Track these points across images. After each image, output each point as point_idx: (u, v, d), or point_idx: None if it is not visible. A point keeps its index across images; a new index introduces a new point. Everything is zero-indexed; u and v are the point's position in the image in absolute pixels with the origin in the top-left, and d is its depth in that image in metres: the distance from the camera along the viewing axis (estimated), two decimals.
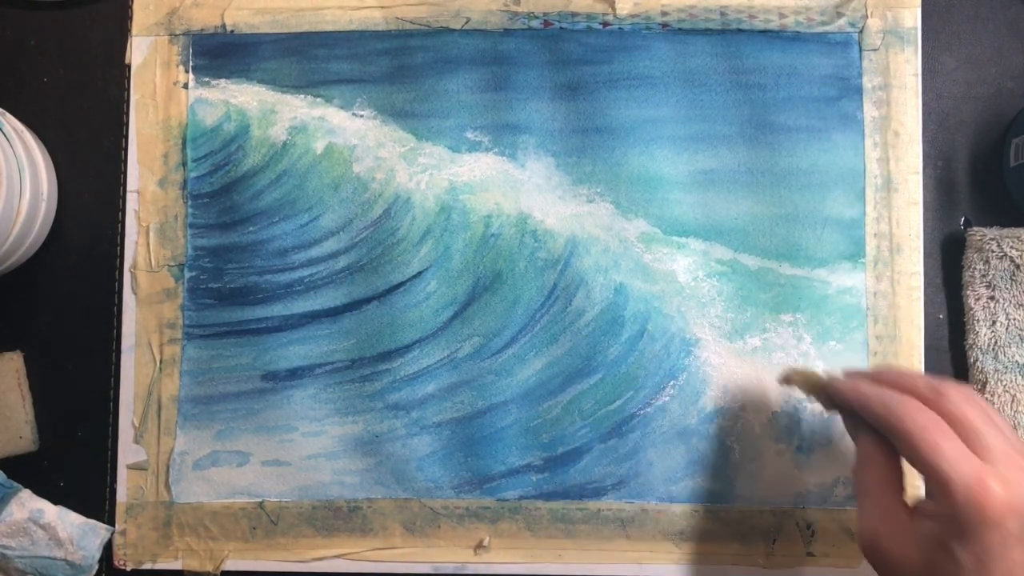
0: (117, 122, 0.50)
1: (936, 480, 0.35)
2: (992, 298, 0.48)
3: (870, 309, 0.49)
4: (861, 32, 0.49)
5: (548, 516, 0.49)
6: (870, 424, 0.39)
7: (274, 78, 0.50)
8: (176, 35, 0.50)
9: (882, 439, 0.39)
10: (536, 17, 0.50)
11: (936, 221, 0.50)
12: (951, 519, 0.35)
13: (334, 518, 0.49)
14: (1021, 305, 0.48)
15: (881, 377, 0.40)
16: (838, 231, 0.49)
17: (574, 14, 0.50)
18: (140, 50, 0.50)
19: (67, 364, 0.50)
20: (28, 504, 0.48)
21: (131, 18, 0.50)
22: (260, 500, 0.49)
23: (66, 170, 0.51)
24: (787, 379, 0.44)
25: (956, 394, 0.37)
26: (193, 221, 0.50)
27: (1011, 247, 0.47)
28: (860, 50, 0.49)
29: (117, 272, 0.50)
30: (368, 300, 0.49)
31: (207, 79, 0.50)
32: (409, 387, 0.49)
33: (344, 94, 0.50)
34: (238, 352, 0.49)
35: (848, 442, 0.48)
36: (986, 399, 0.48)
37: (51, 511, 0.48)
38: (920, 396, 0.37)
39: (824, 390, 0.42)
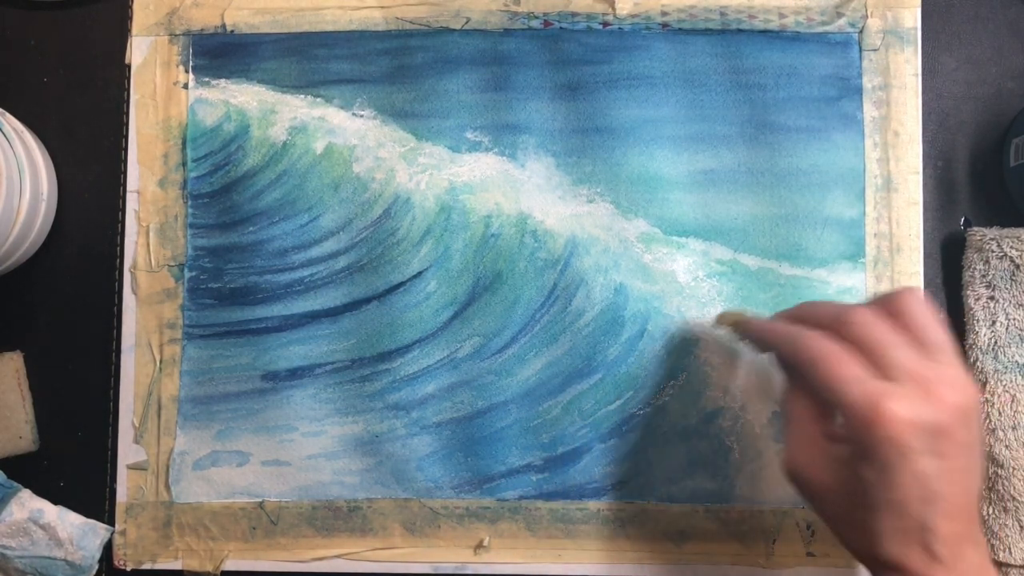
0: (117, 122, 0.50)
1: (836, 405, 0.36)
2: (992, 298, 0.48)
3: None
4: (861, 32, 0.49)
5: (548, 516, 0.49)
6: (782, 360, 0.41)
7: (274, 78, 0.50)
8: (176, 35, 0.50)
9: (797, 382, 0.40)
10: (536, 17, 0.50)
11: (936, 221, 0.50)
12: (854, 440, 0.36)
13: (334, 518, 0.49)
14: (1021, 305, 0.48)
15: (796, 313, 0.41)
16: (838, 231, 0.49)
17: (574, 14, 0.50)
18: (140, 50, 0.50)
19: (67, 364, 0.50)
20: (28, 504, 0.48)
21: (131, 18, 0.50)
22: (260, 500, 0.49)
23: (66, 170, 0.51)
24: (718, 321, 0.47)
25: (860, 317, 0.37)
26: (193, 221, 0.50)
27: (1011, 247, 0.47)
28: (860, 50, 0.49)
29: (117, 272, 0.50)
30: (368, 300, 0.49)
31: (207, 79, 0.50)
32: (409, 387, 0.49)
33: (344, 94, 0.50)
34: (238, 352, 0.49)
35: None
36: (986, 399, 0.48)
37: (51, 511, 0.48)
38: (825, 326, 0.38)
39: (744, 328, 0.44)
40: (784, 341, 0.39)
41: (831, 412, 0.39)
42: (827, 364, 0.36)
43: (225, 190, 0.50)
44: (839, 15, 0.49)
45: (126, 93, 0.50)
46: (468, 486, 0.49)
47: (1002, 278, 0.48)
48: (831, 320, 0.38)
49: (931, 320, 0.37)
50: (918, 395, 0.35)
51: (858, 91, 0.49)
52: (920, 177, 0.49)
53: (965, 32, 0.50)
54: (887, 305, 0.38)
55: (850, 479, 0.36)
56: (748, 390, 0.48)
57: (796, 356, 0.38)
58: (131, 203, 0.50)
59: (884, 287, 0.49)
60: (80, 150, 0.51)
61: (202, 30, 0.50)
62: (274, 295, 0.50)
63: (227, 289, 0.50)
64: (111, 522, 0.49)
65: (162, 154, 0.50)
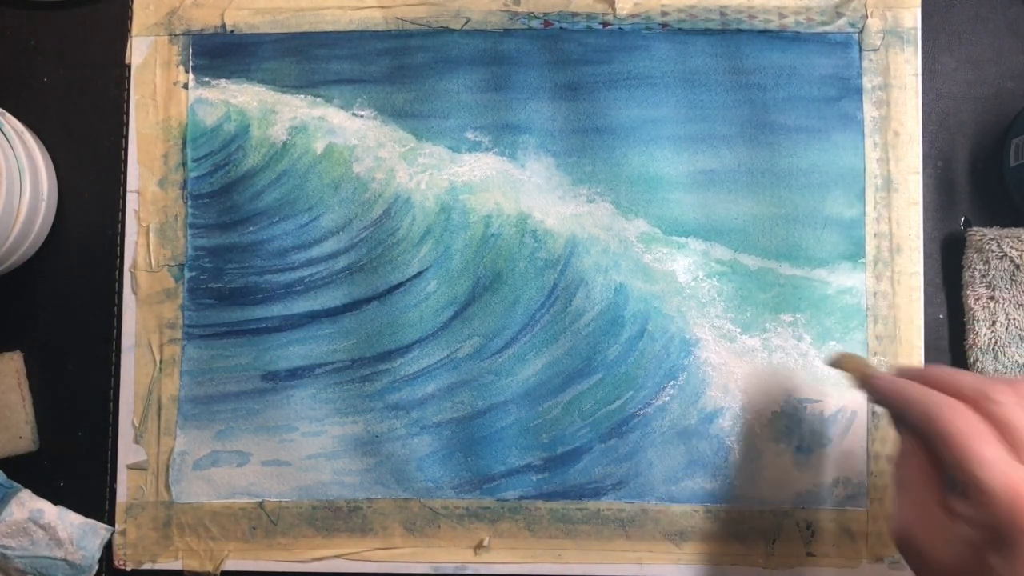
0: (117, 122, 0.50)
1: (974, 486, 0.34)
2: (992, 298, 0.48)
3: (870, 309, 0.49)
4: (861, 32, 0.49)
5: (548, 516, 0.49)
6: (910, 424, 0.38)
7: (274, 78, 0.50)
8: (176, 35, 0.50)
9: (919, 441, 0.38)
10: (536, 17, 0.50)
11: (936, 221, 0.50)
12: (988, 525, 0.34)
13: (334, 518, 0.49)
14: (1021, 305, 0.48)
15: (928, 376, 0.38)
16: (838, 231, 0.49)
17: (574, 14, 0.50)
18: (140, 50, 0.50)
19: (67, 364, 0.50)
20: (28, 504, 0.48)
21: (131, 18, 0.50)
22: (260, 500, 0.49)
23: (66, 170, 0.51)
24: (836, 363, 0.43)
25: (1006, 397, 0.35)
26: (193, 221, 0.50)
27: (1011, 247, 0.47)
28: (860, 50, 0.49)
29: (117, 272, 0.50)
30: (368, 300, 0.49)
31: (207, 79, 0.50)
32: (409, 387, 0.49)
33: (344, 94, 0.50)
34: (238, 352, 0.49)
35: (848, 443, 0.48)
36: None
37: (51, 511, 0.48)
38: (966, 399, 0.36)
39: (868, 383, 0.41)
40: (918, 405, 0.37)
41: (952, 486, 0.37)
42: (969, 441, 0.34)
43: (225, 190, 0.50)
44: (839, 15, 0.49)
45: (126, 93, 0.50)
46: (468, 486, 0.49)
47: (1002, 278, 0.48)
48: (973, 393, 0.36)
49: None
50: None
51: (858, 91, 0.49)
52: (920, 177, 0.49)
53: (965, 32, 0.50)
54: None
55: (973, 562, 0.34)
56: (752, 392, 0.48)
57: (931, 424, 0.36)
58: (131, 203, 0.50)
59: (884, 287, 0.49)
60: (80, 150, 0.51)
61: (202, 30, 0.50)
62: (274, 295, 0.50)
63: (227, 289, 0.50)
64: (111, 522, 0.49)
65: (162, 154, 0.50)
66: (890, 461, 0.39)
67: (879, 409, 0.48)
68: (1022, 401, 0.35)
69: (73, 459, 0.50)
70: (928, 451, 0.37)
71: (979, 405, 0.36)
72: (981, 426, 0.35)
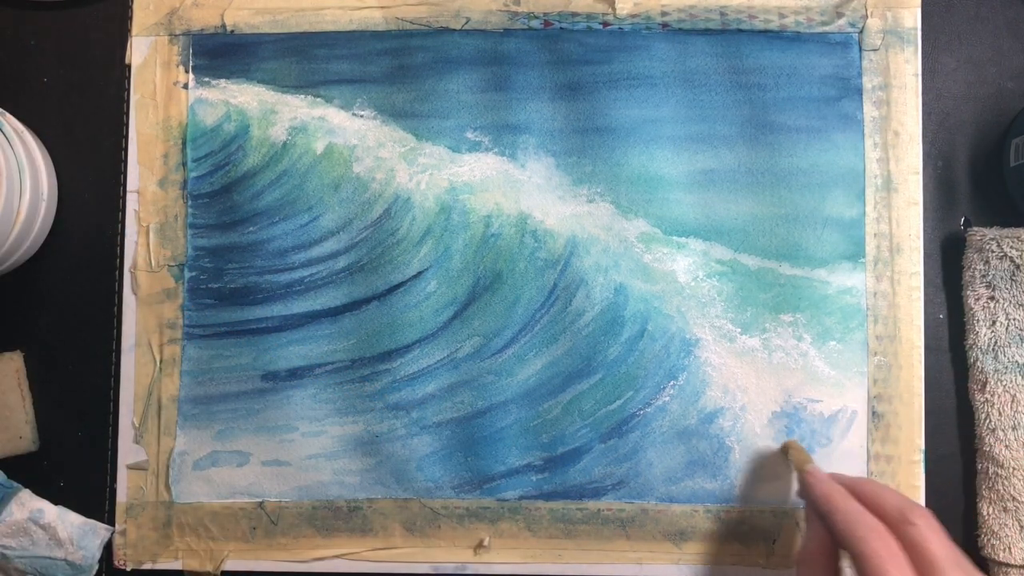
0: (117, 122, 0.50)
1: None
2: (992, 298, 0.48)
3: (870, 309, 0.49)
4: (861, 32, 0.49)
5: (548, 516, 0.49)
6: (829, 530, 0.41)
7: (274, 78, 0.50)
8: (176, 35, 0.50)
9: (828, 536, 0.41)
10: (536, 17, 0.50)
11: (936, 221, 0.50)
12: None
13: (334, 518, 0.49)
14: (1021, 305, 0.48)
15: (857, 487, 0.41)
16: (838, 231, 0.49)
17: (574, 14, 0.50)
18: (140, 50, 0.50)
19: (67, 364, 0.50)
20: (28, 504, 0.48)
21: (131, 18, 0.50)
22: (260, 500, 0.49)
23: (66, 170, 0.51)
24: (784, 449, 0.47)
25: (922, 520, 0.38)
26: (193, 221, 0.50)
27: (1011, 247, 0.47)
28: (860, 50, 0.49)
29: (117, 272, 0.50)
30: (368, 300, 0.49)
31: (207, 79, 0.50)
32: (409, 387, 0.49)
33: (344, 94, 0.50)
34: (238, 352, 0.49)
35: (847, 443, 0.48)
36: (986, 399, 0.48)
37: (51, 511, 0.48)
38: (887, 519, 0.39)
39: (802, 477, 0.43)
40: (842, 516, 0.39)
41: None
42: (883, 565, 0.36)
43: (225, 190, 0.50)
44: (839, 15, 0.49)
45: (126, 93, 0.50)
46: (468, 486, 0.49)
47: (1002, 278, 0.48)
48: (894, 513, 0.39)
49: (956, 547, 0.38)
50: None
51: (858, 91, 0.49)
52: (920, 177, 0.49)
53: (965, 32, 0.50)
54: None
55: None
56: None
57: (851, 542, 0.38)
58: (131, 203, 0.50)
59: (884, 287, 0.49)
60: (80, 150, 0.51)
61: (202, 30, 0.50)
62: (274, 295, 0.50)
63: (227, 289, 0.50)
64: (111, 522, 0.49)
65: (162, 154, 0.50)
66: (801, 534, 0.42)
67: (879, 409, 0.48)
68: (934, 526, 0.38)
69: (73, 459, 0.50)
70: (830, 555, 0.40)
71: (897, 526, 0.38)
72: (895, 550, 0.37)
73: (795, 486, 0.47)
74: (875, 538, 0.38)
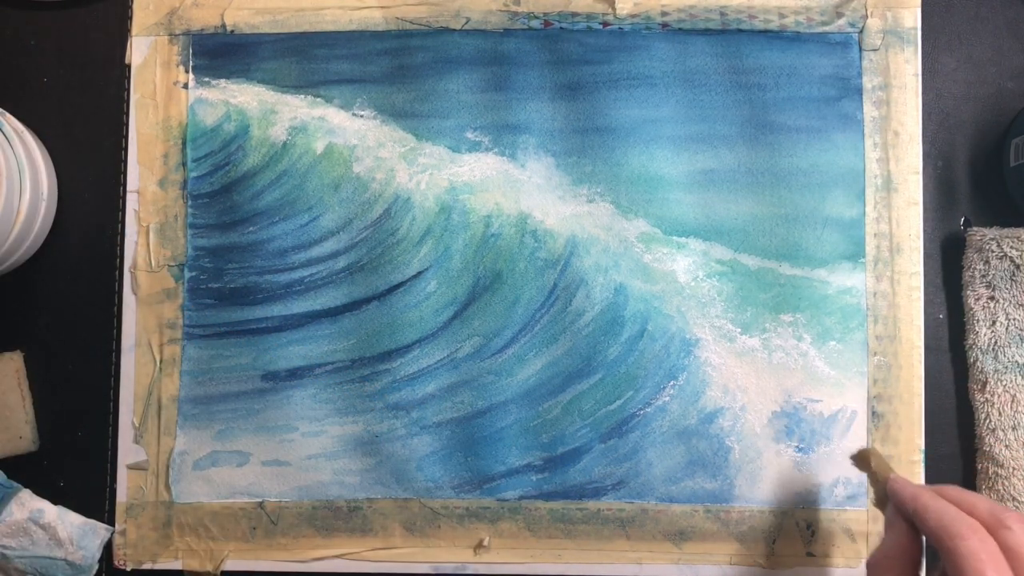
0: (117, 122, 0.50)
1: None
2: (992, 298, 0.48)
3: (870, 309, 0.49)
4: (861, 32, 0.49)
5: (548, 516, 0.49)
6: (920, 530, 0.39)
7: (274, 78, 0.50)
8: (176, 35, 0.50)
9: (911, 540, 0.40)
10: (536, 17, 0.50)
11: (936, 221, 0.50)
12: None
13: (334, 518, 0.49)
14: (1021, 305, 0.48)
15: (943, 492, 0.40)
16: (838, 231, 0.49)
17: (574, 14, 0.50)
18: (140, 50, 0.50)
19: (67, 364, 0.50)
20: (28, 504, 0.48)
21: (131, 18, 0.50)
22: (260, 500, 0.49)
23: (66, 170, 0.51)
24: (862, 456, 0.44)
25: (1019, 525, 0.37)
26: (193, 221, 0.50)
27: (1011, 247, 0.47)
28: (860, 50, 0.49)
29: (117, 272, 0.50)
30: (368, 300, 0.49)
31: (207, 79, 0.50)
32: (409, 387, 0.49)
33: (344, 94, 0.50)
34: (238, 352, 0.49)
35: (847, 443, 0.48)
36: (986, 399, 0.48)
37: (51, 511, 0.48)
38: (980, 519, 0.37)
39: (884, 482, 0.42)
40: (934, 517, 0.38)
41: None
42: (982, 565, 0.36)
43: (225, 190, 0.50)
44: (839, 15, 0.49)
45: (126, 93, 0.50)
46: (468, 486, 0.49)
47: (1002, 278, 0.48)
48: (988, 516, 0.38)
49: None
50: None
51: (858, 91, 0.49)
52: (920, 177, 0.49)
53: (965, 32, 0.50)
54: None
55: None
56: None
57: (944, 540, 0.37)
58: (131, 203, 0.50)
59: (884, 287, 0.49)
60: (80, 150, 0.51)
61: (202, 30, 0.50)
62: (274, 295, 0.50)
63: (227, 289, 0.50)
64: (111, 522, 0.49)
65: (162, 154, 0.50)
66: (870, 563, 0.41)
67: (879, 409, 0.48)
68: None
69: (73, 459, 0.50)
70: (912, 559, 0.39)
71: (992, 529, 0.37)
72: (994, 550, 0.36)
73: (871, 495, 0.46)
74: (974, 537, 0.36)
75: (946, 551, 0.37)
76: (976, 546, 0.36)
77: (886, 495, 0.42)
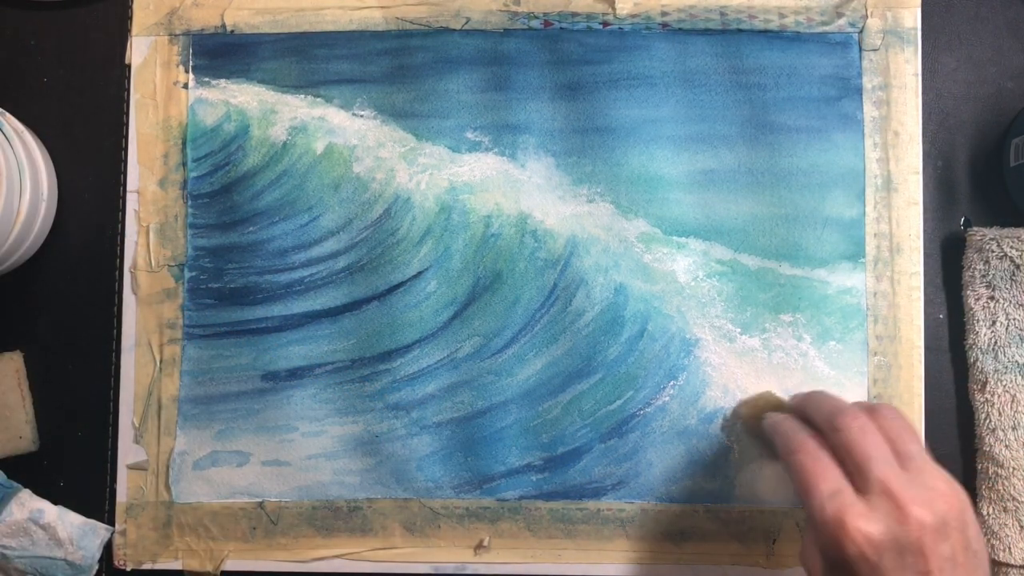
0: (117, 122, 0.50)
1: (810, 519, 0.37)
2: (992, 298, 0.48)
3: (870, 309, 0.49)
4: (861, 32, 0.49)
5: (548, 516, 0.49)
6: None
7: (274, 78, 0.50)
8: (176, 35, 0.50)
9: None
10: (536, 17, 0.50)
11: (936, 221, 0.50)
12: (824, 554, 0.36)
13: (334, 518, 0.49)
14: (1021, 305, 0.48)
15: (801, 402, 0.41)
16: (838, 231, 0.49)
17: (574, 14, 0.50)
18: (140, 50, 0.50)
19: (67, 364, 0.50)
20: (28, 504, 0.48)
21: (131, 18, 0.50)
22: (260, 500, 0.49)
23: (66, 170, 0.51)
24: (735, 415, 0.47)
25: (852, 425, 0.37)
26: (193, 221, 0.50)
27: (1011, 247, 0.47)
28: (860, 50, 0.49)
29: (117, 272, 0.50)
30: (368, 300, 0.49)
31: (207, 79, 0.50)
32: (409, 387, 0.49)
33: (344, 94, 0.50)
34: (238, 352, 0.49)
35: None
36: (986, 399, 0.48)
37: (51, 511, 0.48)
38: (817, 426, 0.39)
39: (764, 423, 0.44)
40: (781, 440, 0.40)
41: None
42: (810, 476, 0.37)
43: (225, 190, 0.50)
44: (839, 15, 0.49)
45: (126, 93, 0.50)
46: (468, 486, 0.49)
47: (1002, 278, 0.48)
48: (824, 422, 0.39)
49: (909, 432, 0.38)
50: (890, 512, 0.35)
51: (858, 91, 0.49)
52: (920, 177, 0.49)
53: (965, 32, 0.50)
54: (873, 414, 0.38)
55: None
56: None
57: (783, 455, 0.39)
58: (131, 203, 0.50)
59: (884, 287, 0.49)
60: (80, 150, 0.51)
61: (202, 30, 0.50)
62: (274, 295, 0.50)
63: (227, 289, 0.50)
64: (111, 522, 0.49)
65: (162, 154, 0.50)
66: None
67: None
68: (865, 428, 0.37)
69: (73, 459, 0.50)
70: None
71: (826, 435, 0.38)
72: (823, 458, 0.37)
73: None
74: (802, 446, 0.38)
75: (790, 472, 0.38)
76: (803, 458, 0.37)
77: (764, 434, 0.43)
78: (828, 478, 0.37)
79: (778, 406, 0.46)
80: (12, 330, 0.50)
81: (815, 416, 0.40)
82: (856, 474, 0.36)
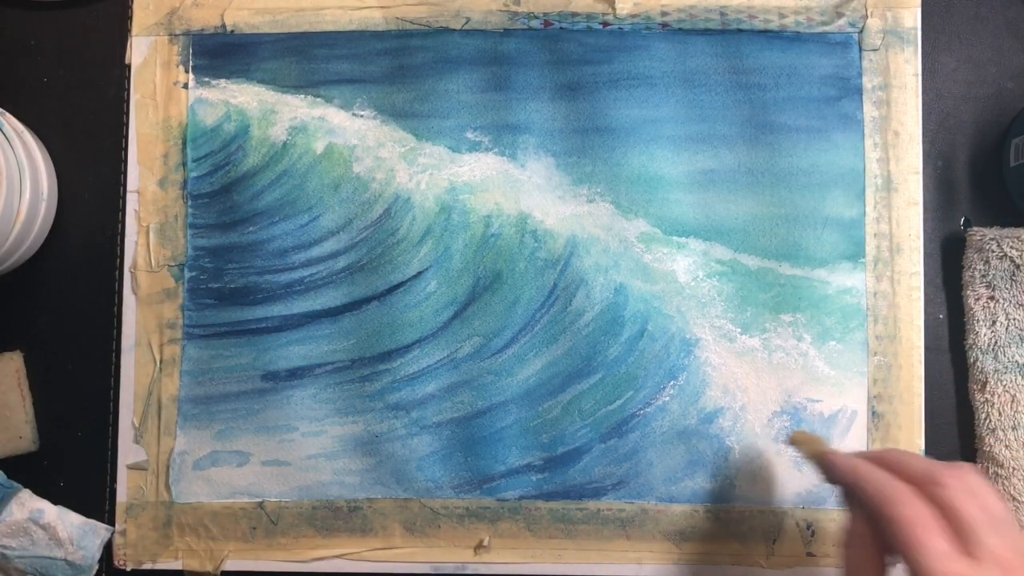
0: (117, 122, 0.50)
1: (913, 570, 0.35)
2: (992, 298, 0.48)
3: (870, 309, 0.49)
4: (861, 32, 0.49)
5: (548, 516, 0.49)
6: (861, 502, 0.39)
7: (274, 78, 0.50)
8: (176, 35, 0.50)
9: (866, 515, 0.39)
10: (536, 17, 0.50)
11: (936, 221, 0.50)
12: None
13: (334, 518, 0.49)
14: (1021, 305, 0.48)
15: (882, 458, 0.40)
16: (838, 231, 0.49)
17: (574, 14, 0.50)
18: (140, 50, 0.50)
19: (67, 364, 0.50)
20: (28, 504, 0.48)
21: (131, 18, 0.50)
22: (260, 500, 0.49)
23: (66, 170, 0.51)
24: (793, 441, 0.44)
25: (956, 484, 0.36)
26: (193, 221, 0.50)
27: (1011, 247, 0.47)
28: (860, 50, 0.49)
29: (117, 272, 0.50)
30: (368, 300, 0.49)
31: (207, 79, 0.50)
32: (409, 387, 0.49)
33: (344, 94, 0.50)
34: (238, 352, 0.49)
35: (847, 443, 0.48)
36: (986, 399, 0.48)
37: (51, 511, 0.48)
38: (917, 483, 0.37)
39: (824, 460, 0.42)
40: (871, 487, 0.38)
41: (894, 558, 0.38)
42: (915, 529, 0.35)
43: (225, 190, 0.50)
44: (839, 15, 0.49)
45: (126, 93, 0.50)
46: (468, 486, 0.49)
47: (1002, 278, 0.48)
48: (922, 477, 0.37)
49: (996, 495, 0.37)
50: None
51: (858, 91, 0.49)
52: (920, 177, 0.49)
53: (965, 32, 0.50)
54: (964, 474, 0.37)
55: None
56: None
57: (882, 508, 0.37)
58: (131, 203, 0.50)
59: (884, 287, 0.49)
60: (80, 150, 0.51)
61: (202, 30, 0.50)
62: (274, 295, 0.50)
63: (227, 289, 0.50)
64: (111, 522, 0.49)
65: (162, 154, 0.50)
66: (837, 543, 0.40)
67: (879, 409, 0.48)
68: (967, 487, 0.36)
69: (73, 459, 0.50)
70: (875, 532, 0.38)
71: (927, 489, 0.37)
72: (927, 513, 0.36)
73: (816, 477, 0.45)
74: (906, 502, 0.36)
75: (885, 520, 0.37)
76: (910, 512, 0.36)
77: (834, 477, 0.41)
78: (937, 536, 0.35)
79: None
80: (12, 330, 0.50)
81: (911, 470, 0.38)
82: (962, 538, 0.35)
